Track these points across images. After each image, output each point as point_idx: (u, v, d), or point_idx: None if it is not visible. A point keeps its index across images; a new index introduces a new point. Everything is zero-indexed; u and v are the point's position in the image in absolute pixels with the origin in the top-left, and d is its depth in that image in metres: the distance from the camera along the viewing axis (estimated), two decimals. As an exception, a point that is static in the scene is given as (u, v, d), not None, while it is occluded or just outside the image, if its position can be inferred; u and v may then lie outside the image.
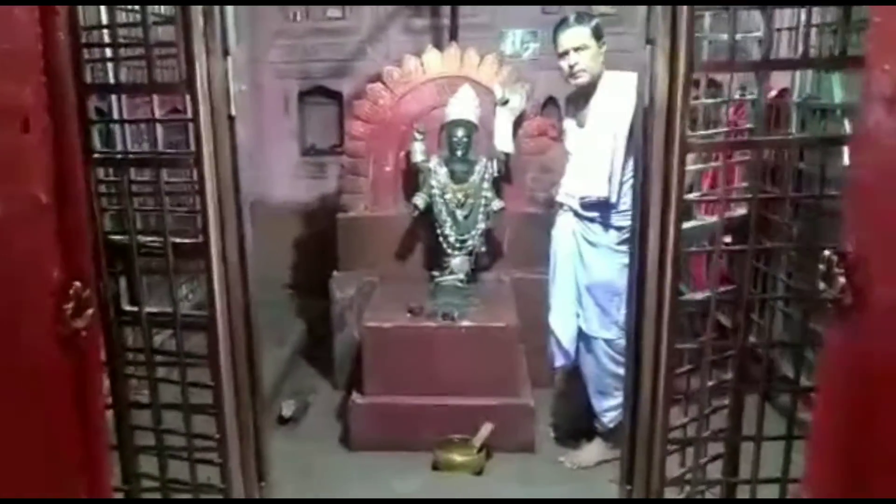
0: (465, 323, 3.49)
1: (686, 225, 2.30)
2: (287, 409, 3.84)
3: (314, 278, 4.40)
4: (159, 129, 2.50)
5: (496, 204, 3.73)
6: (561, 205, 3.37)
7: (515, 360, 3.51)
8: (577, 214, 3.29)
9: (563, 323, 3.35)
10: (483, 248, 3.81)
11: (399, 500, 3.19)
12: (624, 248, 3.15)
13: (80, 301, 1.75)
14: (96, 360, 2.01)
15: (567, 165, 3.35)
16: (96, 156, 2.36)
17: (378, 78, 4.08)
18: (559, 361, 3.41)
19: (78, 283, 1.75)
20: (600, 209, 3.20)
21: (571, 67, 3.10)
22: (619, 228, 3.19)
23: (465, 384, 3.48)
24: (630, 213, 3.11)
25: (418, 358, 3.50)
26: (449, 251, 3.73)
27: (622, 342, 3.19)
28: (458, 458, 3.36)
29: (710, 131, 2.48)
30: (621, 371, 3.19)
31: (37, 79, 1.71)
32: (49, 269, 1.70)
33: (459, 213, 3.71)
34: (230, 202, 2.34)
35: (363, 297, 3.98)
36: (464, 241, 3.73)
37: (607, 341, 3.27)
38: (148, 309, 2.49)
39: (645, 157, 2.25)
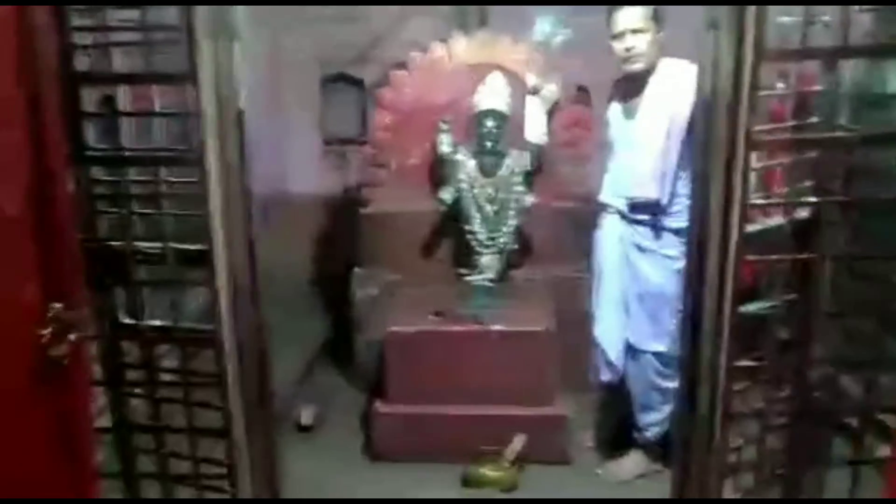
0: (496, 327, 3.26)
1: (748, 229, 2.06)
2: (306, 417, 3.63)
3: (337, 274, 4.17)
4: (160, 125, 2.31)
5: (528, 199, 3.48)
6: (605, 206, 3.13)
7: (550, 367, 3.27)
8: (623, 217, 3.05)
9: (610, 336, 3.12)
10: (514, 246, 3.57)
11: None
12: (676, 252, 2.92)
13: (61, 325, 1.56)
14: (84, 388, 1.81)
15: (610, 161, 3.11)
16: (88, 154, 2.18)
17: (402, 65, 3.84)
18: (606, 377, 3.17)
19: (58, 305, 1.56)
20: (650, 211, 2.96)
21: (627, 51, 2.84)
22: (671, 232, 2.95)
23: (496, 393, 3.26)
24: (683, 215, 2.85)
25: (445, 364, 3.28)
26: (478, 249, 3.50)
27: (672, 355, 2.99)
28: (489, 473, 3.15)
29: (767, 126, 2.22)
30: (668, 385, 3.02)
31: (11, 69, 1.50)
32: (22, 290, 1.50)
33: (489, 209, 3.48)
34: (238, 205, 2.13)
35: (386, 296, 3.76)
36: (493, 239, 3.49)
37: (656, 354, 3.04)
38: (148, 322, 2.29)
39: (705, 156, 2.01)
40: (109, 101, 2.28)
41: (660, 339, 3.01)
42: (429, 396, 3.30)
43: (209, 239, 2.11)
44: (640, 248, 3.00)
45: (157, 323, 2.29)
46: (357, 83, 5.12)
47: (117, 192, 2.20)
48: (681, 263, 2.87)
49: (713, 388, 2.17)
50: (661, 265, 2.97)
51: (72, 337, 1.56)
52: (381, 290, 3.81)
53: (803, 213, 2.24)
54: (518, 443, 3.17)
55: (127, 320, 2.29)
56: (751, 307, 2.20)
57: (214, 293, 2.15)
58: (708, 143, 2.02)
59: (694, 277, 2.09)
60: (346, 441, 3.55)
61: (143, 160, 2.21)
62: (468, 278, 3.48)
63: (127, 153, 2.21)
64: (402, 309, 3.48)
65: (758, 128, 2.01)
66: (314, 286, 5.18)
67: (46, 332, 1.47)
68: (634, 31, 2.81)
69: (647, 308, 3.02)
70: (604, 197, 3.13)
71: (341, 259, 4.13)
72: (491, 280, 3.45)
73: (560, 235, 3.66)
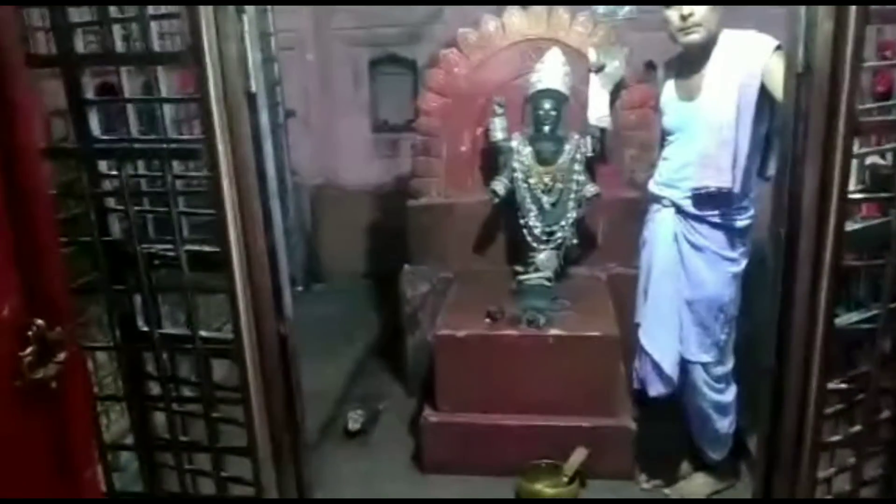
0: (554, 331, 2.96)
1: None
2: (353, 423, 3.42)
3: (388, 269, 3.93)
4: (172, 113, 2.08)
5: (590, 189, 3.16)
6: (658, 198, 2.77)
7: (613, 375, 2.96)
8: (679, 211, 2.70)
9: (663, 345, 2.76)
10: (574, 241, 3.25)
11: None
12: (736, 254, 2.62)
13: (45, 344, 1.35)
14: (79, 412, 1.60)
15: (666, 149, 2.75)
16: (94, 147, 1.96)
17: (452, 43, 3.55)
18: (657, 390, 2.81)
19: (41, 322, 1.35)
20: (715, 205, 2.61)
21: (684, 19, 2.47)
22: (734, 230, 2.62)
23: (554, 402, 2.98)
24: (749, 211, 2.62)
25: (499, 371, 3.01)
26: (534, 245, 3.20)
27: (722, 368, 2.74)
28: (546, 489, 2.88)
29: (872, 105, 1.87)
30: (723, 398, 2.75)
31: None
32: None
33: (546, 201, 3.17)
34: (253, 201, 1.87)
35: (436, 294, 3.50)
36: (551, 233, 3.19)
37: (705, 366, 2.72)
38: (165, 331, 2.08)
39: (796, 141, 1.68)
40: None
41: (707, 350, 2.71)
42: (481, 405, 3.04)
43: (223, 241, 1.87)
44: (696, 247, 2.67)
45: (174, 331, 2.08)
46: (409, 64, 4.85)
47: (125, 188, 1.98)
48: (739, 267, 2.66)
49: (801, 411, 1.86)
50: (719, 268, 2.65)
51: (60, 357, 1.36)
52: (431, 288, 3.54)
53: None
54: (578, 457, 2.88)
55: (144, 328, 2.08)
56: (848, 318, 1.87)
57: (232, 299, 1.91)
58: (799, 125, 1.70)
59: (782, 285, 1.77)
60: (395, 449, 3.33)
61: (150, 152, 1.99)
62: (523, 276, 3.18)
63: (135, 145, 1.99)
64: (452, 310, 3.21)
65: (862, 107, 1.68)
66: (368, 280, 4.98)
67: (28, 353, 1.26)
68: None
69: (697, 315, 2.70)
70: (655, 188, 2.78)
71: (393, 253, 3.89)
72: (548, 279, 3.14)
73: (624, 229, 3.28)
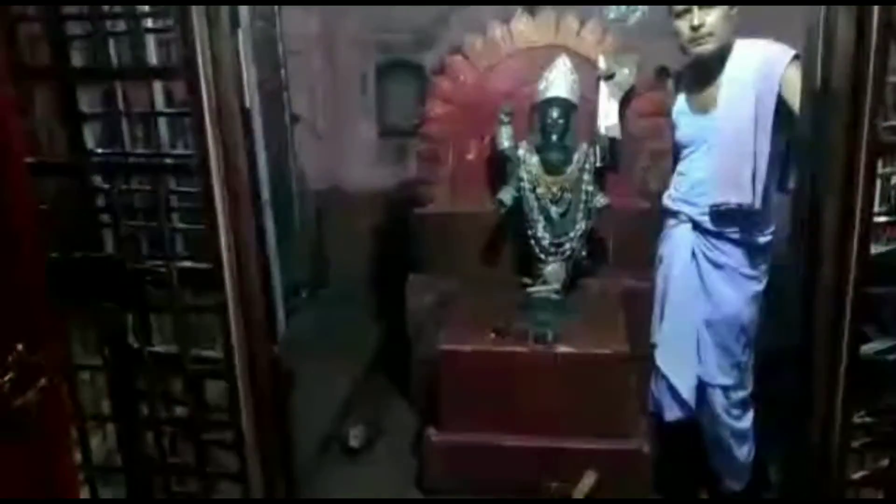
0: (562, 348, 2.86)
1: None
2: (354, 440, 3.33)
3: (394, 275, 3.84)
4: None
5: (599, 199, 3.06)
6: (675, 213, 2.69)
7: (625, 395, 2.85)
8: (697, 227, 2.61)
9: (680, 367, 2.68)
10: (583, 253, 3.15)
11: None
12: (757, 273, 2.54)
13: (24, 370, 1.31)
14: (61, 441, 1.55)
15: (681, 163, 2.68)
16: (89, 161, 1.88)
17: (459, 49, 3.46)
18: (674, 415, 2.73)
19: (20, 347, 1.31)
20: (734, 220, 2.53)
21: (695, 29, 2.39)
22: (755, 248, 2.54)
23: (563, 422, 2.87)
24: (769, 227, 2.55)
25: (505, 389, 2.90)
26: (542, 256, 3.10)
27: (742, 392, 2.65)
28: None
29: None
30: (741, 425, 2.66)
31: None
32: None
33: (554, 211, 3.07)
34: (246, 219, 1.80)
35: (442, 306, 3.40)
36: (560, 245, 3.08)
37: (725, 389, 2.63)
38: (155, 349, 2.01)
39: (815, 159, 1.59)
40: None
41: (728, 372, 2.62)
42: (486, 424, 2.93)
43: (216, 258, 1.79)
44: (715, 265, 2.59)
45: (163, 350, 2.01)
46: (416, 69, 4.77)
47: (118, 203, 1.91)
48: (761, 285, 2.59)
49: (826, 445, 1.76)
50: (740, 287, 2.57)
51: (41, 383, 1.30)
52: (436, 300, 3.45)
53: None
54: (588, 481, 2.79)
55: (135, 345, 2.01)
56: (871, 347, 1.78)
57: (223, 318, 1.84)
58: (820, 144, 1.61)
59: (804, 313, 1.68)
60: (396, 468, 3.24)
61: (146, 167, 1.92)
62: (531, 289, 3.08)
63: (130, 159, 1.92)
64: (457, 324, 3.12)
65: (886, 124, 1.59)
66: (374, 286, 4.89)
67: (6, 379, 1.22)
68: (703, 6, 2.39)
69: (716, 337, 2.61)
70: (671, 203, 2.70)
71: (399, 259, 3.80)
72: (556, 292, 3.05)
73: (636, 240, 3.19)
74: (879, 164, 1.61)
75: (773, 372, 2.47)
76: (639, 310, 3.03)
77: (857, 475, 1.81)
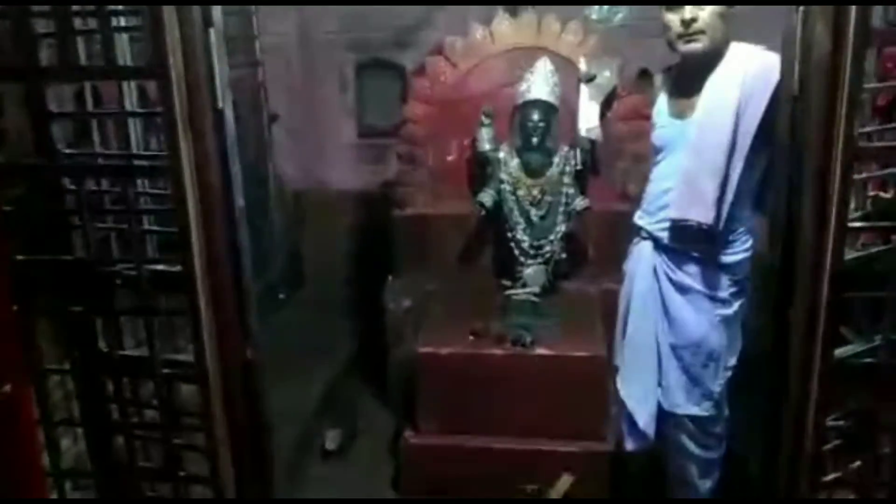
0: (541, 351, 2.85)
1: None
2: (331, 442, 3.31)
3: (372, 280, 3.80)
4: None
5: (579, 202, 3.05)
6: (638, 229, 2.50)
7: (602, 398, 2.84)
8: (659, 245, 2.42)
9: (640, 395, 2.50)
10: (563, 255, 3.15)
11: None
12: (726, 294, 2.35)
13: None
14: (27, 447, 1.52)
15: (653, 169, 2.48)
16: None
17: (440, 50, 3.44)
18: (632, 446, 2.57)
19: None
20: (699, 239, 2.32)
21: (686, 25, 2.18)
22: (722, 268, 2.34)
23: (540, 425, 2.87)
24: (739, 245, 2.35)
25: (483, 391, 2.89)
26: (521, 259, 3.09)
27: (716, 425, 2.48)
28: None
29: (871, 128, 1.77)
30: (709, 455, 2.50)
31: None
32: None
33: (534, 214, 3.07)
34: (219, 220, 1.77)
35: (420, 308, 3.38)
36: (539, 248, 3.08)
37: (694, 419, 2.46)
38: (125, 353, 1.97)
39: (792, 167, 1.59)
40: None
41: (697, 401, 2.43)
42: (464, 427, 2.93)
43: (187, 262, 1.76)
44: (679, 287, 2.38)
45: (134, 354, 1.98)
46: (396, 69, 4.74)
47: (88, 205, 1.87)
48: (731, 309, 2.37)
49: (798, 450, 1.76)
50: (705, 310, 2.36)
51: (4, 388, 1.28)
52: (415, 302, 3.43)
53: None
54: (564, 484, 2.78)
55: (105, 349, 1.98)
56: (845, 350, 1.78)
57: (195, 321, 1.81)
58: (795, 149, 1.61)
59: (777, 321, 1.67)
60: (373, 470, 3.23)
61: (116, 168, 1.88)
62: (510, 292, 3.07)
63: (100, 160, 1.89)
64: (436, 326, 3.10)
65: (861, 130, 1.58)
66: (352, 287, 4.85)
67: None
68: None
69: (684, 364, 2.42)
70: (638, 218, 2.51)
71: (378, 260, 3.77)
72: (536, 294, 3.04)
73: (615, 243, 3.16)
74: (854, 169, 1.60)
75: (745, 376, 2.42)
76: (617, 313, 3.02)
77: (829, 477, 1.80)
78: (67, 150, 1.88)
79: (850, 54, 1.49)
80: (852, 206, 1.68)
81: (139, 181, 1.85)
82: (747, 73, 2.19)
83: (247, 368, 1.90)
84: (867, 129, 1.65)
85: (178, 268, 1.80)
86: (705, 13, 2.17)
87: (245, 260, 1.85)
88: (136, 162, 1.86)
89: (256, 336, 1.96)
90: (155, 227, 1.93)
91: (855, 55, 1.49)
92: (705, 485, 2.56)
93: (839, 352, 1.73)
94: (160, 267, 1.89)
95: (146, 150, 2.00)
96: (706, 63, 2.26)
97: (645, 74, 3.48)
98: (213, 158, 1.70)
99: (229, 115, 1.73)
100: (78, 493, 2.29)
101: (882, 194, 1.89)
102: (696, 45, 2.21)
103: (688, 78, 2.34)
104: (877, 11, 1.57)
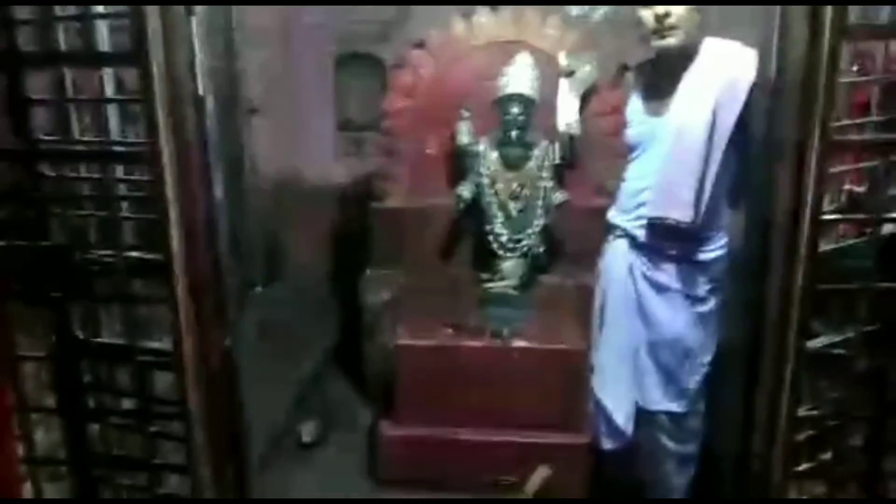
0: (519, 343, 2.88)
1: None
2: (307, 434, 3.30)
3: (350, 270, 3.80)
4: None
5: (558, 196, 3.07)
6: (612, 227, 2.53)
7: (580, 390, 2.85)
8: (635, 243, 2.44)
9: (617, 394, 2.53)
10: (541, 249, 3.16)
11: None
12: (702, 292, 2.37)
13: None
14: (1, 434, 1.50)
15: (628, 168, 2.49)
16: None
17: (420, 44, 3.44)
18: (610, 444, 2.60)
19: None
20: (673, 236, 2.34)
21: (660, 21, 2.20)
22: (698, 266, 2.36)
23: (517, 417, 2.89)
24: (715, 243, 2.37)
25: (460, 383, 2.91)
26: (500, 252, 3.10)
27: (692, 420, 2.51)
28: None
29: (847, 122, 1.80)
30: (684, 450, 2.53)
31: None
32: None
33: (513, 207, 3.08)
34: (198, 208, 1.76)
35: (398, 301, 3.38)
36: (518, 241, 3.09)
37: (670, 415, 2.48)
38: (103, 340, 1.96)
39: (769, 160, 1.61)
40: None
41: (674, 398, 2.46)
42: (441, 419, 2.94)
43: (165, 249, 1.75)
44: (655, 285, 2.41)
45: (111, 341, 1.96)
46: (376, 63, 4.73)
47: (67, 192, 1.86)
48: (707, 306, 2.39)
49: (770, 440, 1.78)
50: (681, 309, 2.39)
51: None
52: (392, 295, 3.43)
53: (889, 228, 1.82)
54: (540, 475, 2.79)
55: (81, 336, 1.96)
56: (819, 341, 1.80)
57: (173, 309, 1.80)
58: (772, 143, 1.63)
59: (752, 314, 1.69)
60: (350, 462, 3.23)
61: (94, 155, 1.87)
62: (488, 285, 3.08)
63: (78, 147, 1.87)
64: (413, 319, 3.11)
65: (836, 123, 1.60)
66: (330, 281, 4.84)
67: None
68: None
69: (661, 361, 2.44)
70: (610, 213, 2.53)
71: (355, 254, 3.76)
72: (514, 288, 3.05)
73: (594, 238, 3.18)
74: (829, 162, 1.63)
75: (716, 368, 2.43)
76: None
77: (800, 468, 1.82)
78: (46, 137, 1.87)
79: (826, 48, 1.51)
80: (827, 199, 1.70)
81: (118, 168, 1.83)
82: (724, 70, 2.21)
83: (225, 356, 1.89)
84: (844, 122, 1.66)
85: (155, 255, 1.80)
86: (679, 9, 2.19)
87: (223, 248, 1.84)
88: (115, 148, 1.83)
89: (234, 326, 1.95)
90: (130, 215, 1.91)
91: (831, 46, 1.51)
92: (681, 480, 2.59)
93: (811, 343, 1.75)
94: (137, 254, 1.88)
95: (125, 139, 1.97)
96: (681, 59, 2.29)
97: (624, 69, 3.50)
98: (192, 143, 1.69)
99: (210, 104, 1.72)
100: (53, 484, 2.27)
101: (856, 188, 1.92)
102: (671, 41, 2.24)
103: (662, 75, 2.37)
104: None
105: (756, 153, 1.73)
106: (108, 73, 1.86)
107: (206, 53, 1.70)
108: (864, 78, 1.78)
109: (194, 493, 1.95)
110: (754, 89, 2.03)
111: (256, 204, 4.66)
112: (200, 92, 1.70)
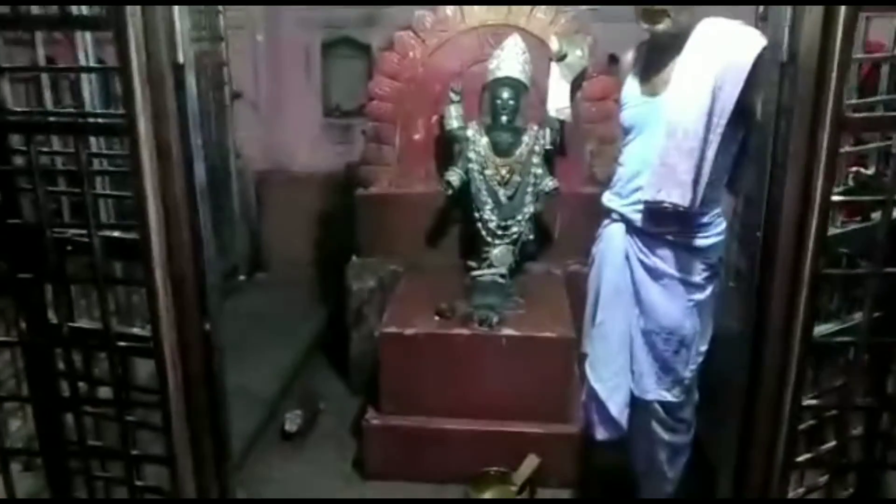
0: (507, 331, 2.81)
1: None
2: (291, 424, 3.22)
3: (335, 259, 3.73)
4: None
5: (548, 183, 3.01)
6: (609, 211, 2.42)
7: (568, 379, 2.81)
8: (632, 228, 2.34)
9: (613, 383, 2.41)
10: (531, 236, 3.10)
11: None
12: (699, 279, 2.28)
13: None
14: None
15: (623, 151, 2.38)
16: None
17: (408, 26, 3.36)
18: (603, 435, 2.49)
19: None
20: (670, 221, 2.24)
21: (651, 4, 2.12)
22: (696, 252, 2.27)
23: (505, 406, 2.84)
24: (713, 228, 2.29)
25: (448, 372, 2.85)
26: (489, 239, 3.04)
27: (685, 410, 2.43)
28: (494, 497, 2.72)
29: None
30: (677, 439, 2.45)
31: None
32: None
33: (502, 193, 3.02)
34: (177, 184, 1.68)
35: (384, 289, 3.32)
36: (507, 228, 3.03)
37: (664, 405, 2.39)
38: (76, 325, 1.87)
39: (777, 138, 1.54)
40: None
41: (668, 387, 2.37)
42: (428, 408, 2.88)
43: (143, 228, 1.67)
44: (651, 271, 2.31)
45: (86, 326, 1.88)
46: (363, 48, 4.65)
47: (37, 166, 1.77)
48: (704, 294, 2.31)
49: (774, 428, 1.73)
50: (678, 296, 2.30)
51: None
52: (379, 282, 3.36)
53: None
54: (529, 465, 2.74)
55: (54, 320, 1.88)
56: (824, 328, 1.75)
57: (150, 292, 1.72)
58: (780, 121, 1.56)
59: (758, 297, 1.63)
60: (335, 453, 3.15)
61: (67, 126, 1.78)
62: (476, 272, 3.02)
63: (51, 118, 1.79)
64: (400, 306, 3.04)
65: (849, 101, 1.54)
66: (314, 269, 4.77)
67: None
68: None
69: (656, 350, 2.35)
70: (606, 198, 2.42)
71: (341, 242, 3.70)
72: (502, 275, 2.99)
73: (583, 225, 3.09)
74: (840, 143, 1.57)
75: (718, 355, 2.38)
76: (584, 294, 2.97)
77: (802, 457, 1.77)
78: (17, 109, 1.78)
79: (842, 22, 1.45)
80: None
81: (93, 140, 1.75)
82: (723, 50, 2.11)
83: (206, 342, 1.81)
84: (854, 101, 1.60)
85: (132, 235, 1.72)
86: None
87: (205, 231, 1.76)
88: (89, 120, 1.74)
89: (215, 312, 1.87)
90: (106, 191, 1.82)
91: (847, 23, 1.45)
92: (673, 469, 2.52)
93: (818, 330, 1.70)
94: (113, 234, 1.80)
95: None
96: (677, 40, 2.19)
97: (614, 60, 3.43)
98: (172, 115, 1.61)
99: (191, 80, 1.64)
100: (27, 475, 2.20)
101: (863, 170, 1.86)
102: (661, 26, 2.15)
103: (659, 54, 2.26)
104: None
105: (761, 136, 1.66)
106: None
107: (186, 18, 1.61)
108: (875, 56, 1.72)
109: (174, 485, 1.87)
110: (757, 70, 1.98)
111: (240, 190, 4.59)
112: (180, 59, 1.61)
